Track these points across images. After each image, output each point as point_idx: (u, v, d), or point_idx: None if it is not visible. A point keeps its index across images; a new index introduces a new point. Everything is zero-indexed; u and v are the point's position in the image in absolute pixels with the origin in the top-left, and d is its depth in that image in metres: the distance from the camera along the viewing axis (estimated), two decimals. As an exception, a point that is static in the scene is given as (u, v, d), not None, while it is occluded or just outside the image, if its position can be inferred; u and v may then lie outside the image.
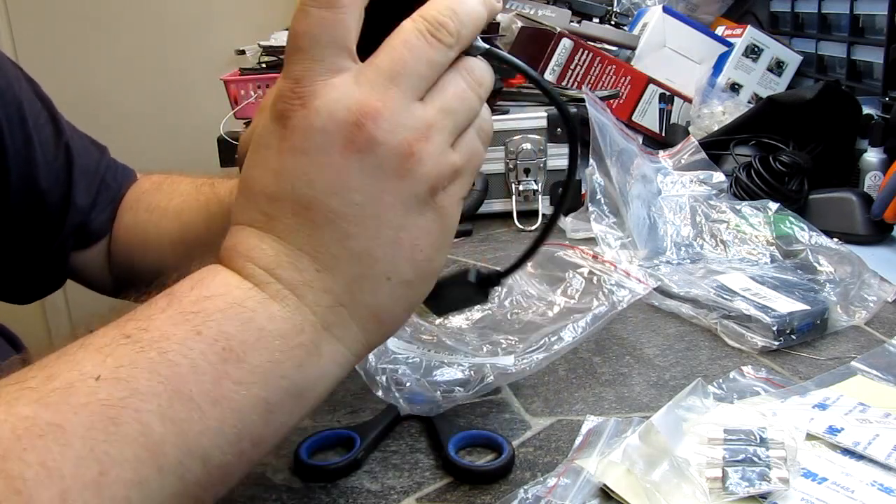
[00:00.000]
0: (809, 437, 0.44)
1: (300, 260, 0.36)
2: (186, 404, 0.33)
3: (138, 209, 0.67)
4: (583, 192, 0.89)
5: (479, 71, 0.39)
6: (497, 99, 0.99)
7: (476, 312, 0.61)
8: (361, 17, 0.37)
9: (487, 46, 0.40)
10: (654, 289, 0.64)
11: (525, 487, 0.41)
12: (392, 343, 0.53)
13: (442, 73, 0.38)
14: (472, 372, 0.51)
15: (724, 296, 0.60)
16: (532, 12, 1.20)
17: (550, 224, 0.42)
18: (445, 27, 0.37)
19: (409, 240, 0.37)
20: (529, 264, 0.65)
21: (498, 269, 0.42)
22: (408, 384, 0.49)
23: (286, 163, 0.36)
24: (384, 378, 0.50)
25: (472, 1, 0.38)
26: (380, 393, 0.49)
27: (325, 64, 0.36)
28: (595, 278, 0.60)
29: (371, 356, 0.51)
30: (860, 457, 0.42)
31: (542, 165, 0.90)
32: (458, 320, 0.60)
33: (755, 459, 0.41)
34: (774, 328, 0.56)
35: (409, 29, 0.37)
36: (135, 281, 0.68)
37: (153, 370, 0.33)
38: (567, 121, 0.41)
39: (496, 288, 0.45)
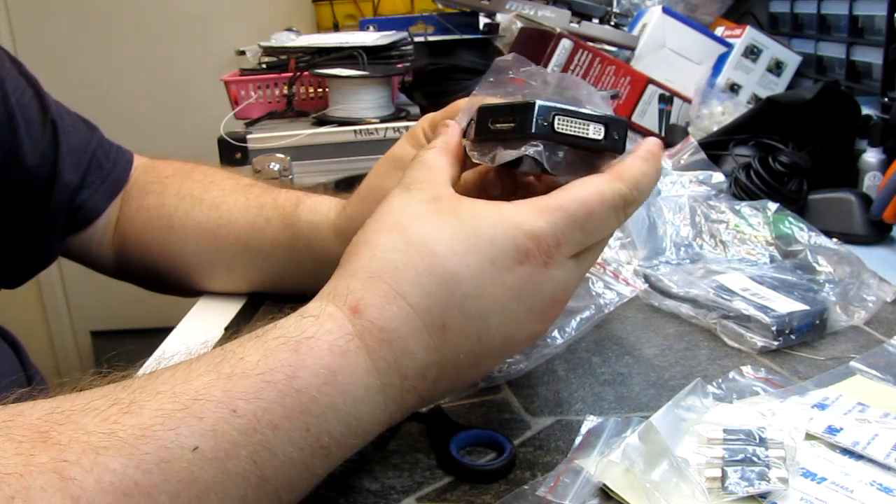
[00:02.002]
0: (809, 436, 0.44)
1: (430, 372, 0.39)
2: (266, 490, 0.33)
3: (165, 193, 0.67)
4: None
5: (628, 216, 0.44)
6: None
7: None
8: None
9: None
10: (654, 289, 0.64)
11: (525, 487, 0.41)
12: None
13: None
14: None
15: (724, 296, 0.60)
16: (532, 13, 1.20)
17: None
18: (636, 203, 0.41)
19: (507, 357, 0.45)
20: None
21: None
22: None
23: (500, 297, 0.38)
24: None
25: (656, 172, 0.42)
26: None
27: (578, 249, 0.40)
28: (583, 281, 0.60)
29: None
30: (859, 456, 0.42)
31: (541, 166, 0.90)
32: None
33: (754, 459, 0.41)
34: (774, 328, 0.56)
35: (609, 201, 0.40)
36: (143, 264, 0.68)
37: (251, 457, 0.33)
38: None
39: None
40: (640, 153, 0.42)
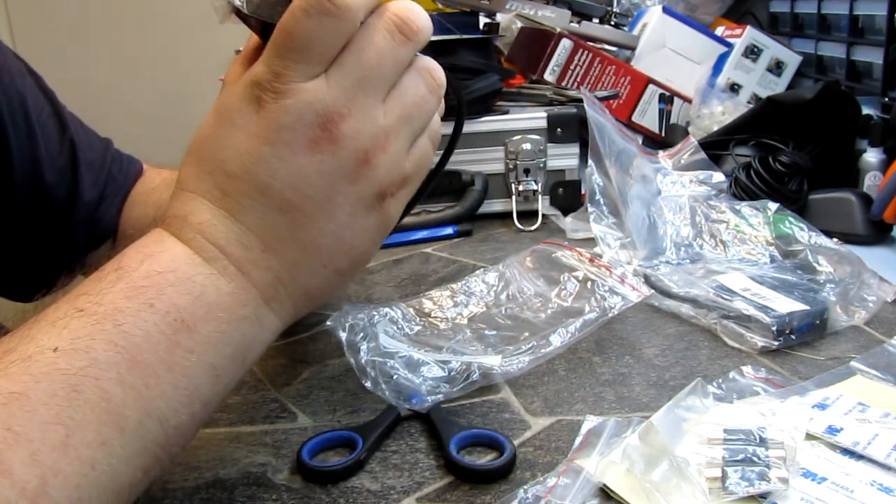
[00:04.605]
0: (809, 436, 0.44)
1: (248, 238, 0.39)
2: (143, 371, 0.35)
3: (147, 204, 0.68)
4: (582, 192, 0.89)
5: (438, 71, 0.42)
6: (496, 99, 0.99)
7: (472, 308, 0.61)
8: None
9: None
10: (654, 289, 0.64)
11: (525, 487, 0.41)
12: (384, 339, 0.53)
13: (404, 71, 0.40)
14: (458, 369, 0.51)
15: (724, 296, 0.60)
16: (532, 13, 1.20)
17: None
18: (410, 23, 0.39)
19: (350, 237, 0.41)
20: (528, 260, 0.65)
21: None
22: (394, 377, 0.50)
23: (252, 148, 0.38)
24: (374, 371, 0.50)
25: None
26: (368, 384, 0.49)
27: (309, 69, 0.38)
28: (589, 283, 0.60)
29: (363, 349, 0.51)
30: (860, 456, 0.42)
31: (541, 165, 0.90)
32: (452, 314, 0.60)
33: (755, 459, 0.41)
34: (774, 328, 0.56)
35: (376, 27, 0.38)
36: None
37: (109, 340, 0.34)
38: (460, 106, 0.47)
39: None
40: None
